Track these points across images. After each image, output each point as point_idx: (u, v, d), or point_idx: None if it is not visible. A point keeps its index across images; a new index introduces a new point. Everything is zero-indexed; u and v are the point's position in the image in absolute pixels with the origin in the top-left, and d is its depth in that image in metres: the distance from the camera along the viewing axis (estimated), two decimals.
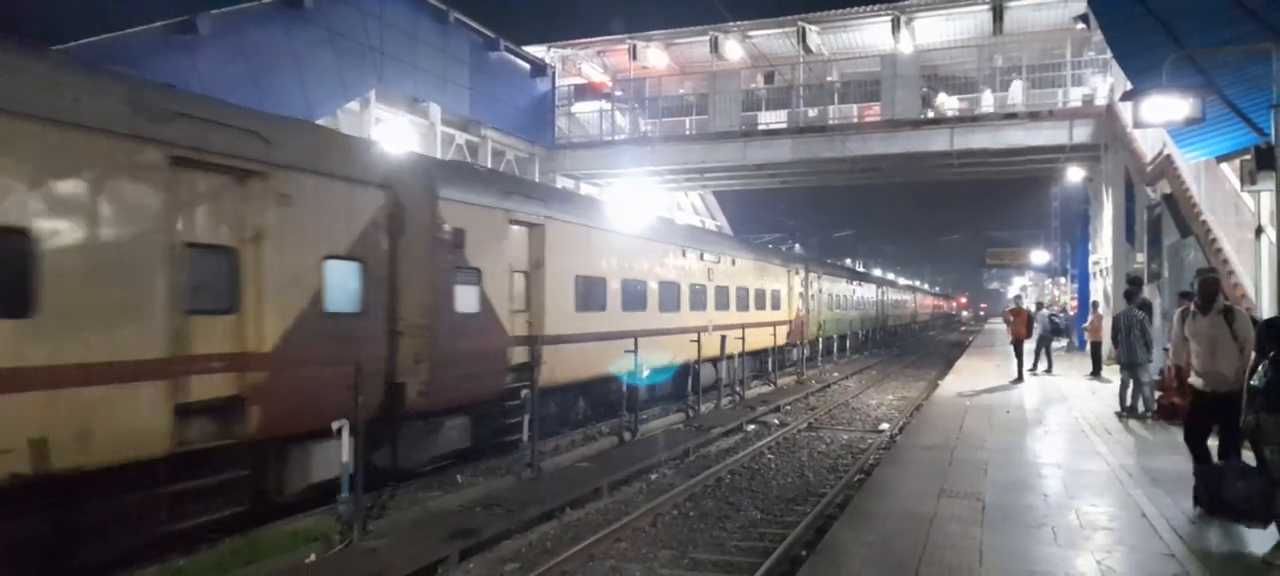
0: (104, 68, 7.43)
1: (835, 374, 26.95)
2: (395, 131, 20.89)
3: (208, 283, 7.34)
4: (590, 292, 13.77)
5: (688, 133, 29.57)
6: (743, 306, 21.60)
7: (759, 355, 22.32)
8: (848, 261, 58.98)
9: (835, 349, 32.29)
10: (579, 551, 7.93)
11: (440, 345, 9.81)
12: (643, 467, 11.75)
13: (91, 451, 6.21)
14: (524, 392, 10.90)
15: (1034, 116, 24.35)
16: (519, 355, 11.68)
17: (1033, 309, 22.51)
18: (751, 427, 16.00)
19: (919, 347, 47.96)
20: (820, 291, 30.53)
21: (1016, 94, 26.50)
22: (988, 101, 26.79)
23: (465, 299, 10.53)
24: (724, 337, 18.57)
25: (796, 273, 27.28)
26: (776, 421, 16.82)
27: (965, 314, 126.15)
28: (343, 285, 8.61)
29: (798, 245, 51.40)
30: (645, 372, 14.54)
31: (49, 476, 5.94)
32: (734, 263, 21.16)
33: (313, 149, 8.60)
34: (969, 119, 25.50)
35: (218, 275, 7.46)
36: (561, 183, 27.84)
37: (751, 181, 32.04)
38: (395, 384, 9.30)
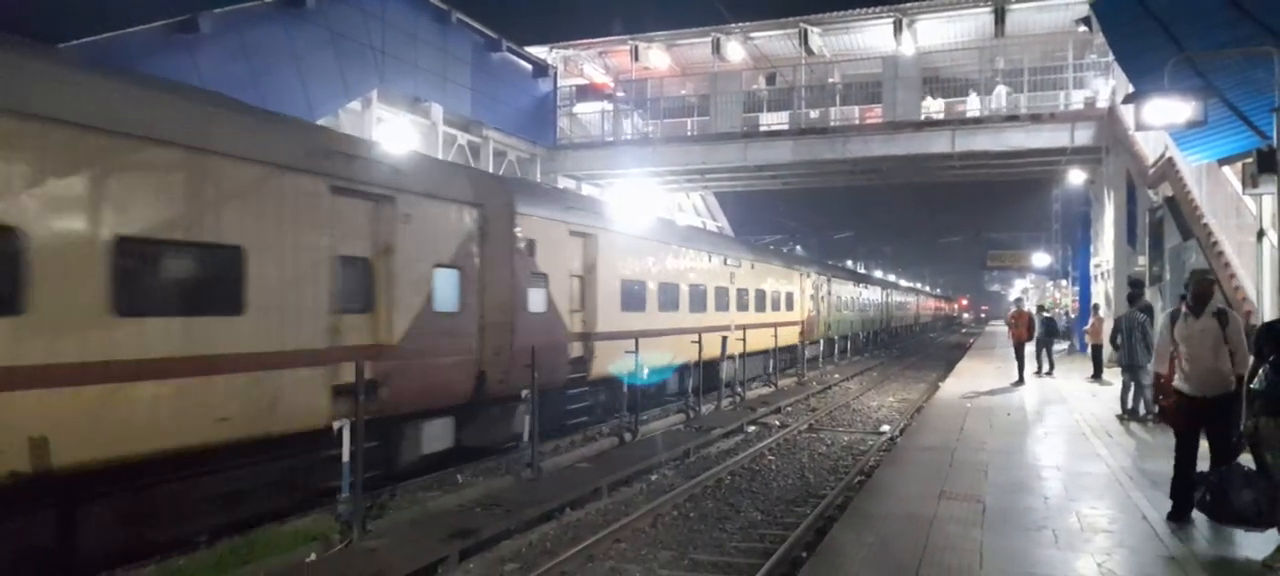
0: (261, 109, 8.58)
1: (836, 375, 26.94)
2: (397, 131, 20.88)
3: (351, 288, 8.85)
4: (633, 294, 15.39)
5: (689, 134, 29.58)
6: (760, 307, 23.21)
7: (774, 352, 23.37)
8: (848, 263, 59.14)
9: (836, 351, 32.35)
10: (579, 552, 7.92)
11: (516, 339, 11.34)
12: (643, 468, 11.75)
13: (277, 420, 7.82)
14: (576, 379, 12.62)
15: (1036, 119, 24.33)
16: (576, 349, 13.37)
17: (1033, 311, 22.50)
18: (752, 429, 15.99)
19: (920, 349, 47.93)
20: (829, 293, 32.06)
21: (1000, 99, 26.54)
22: (973, 105, 26.83)
23: (536, 300, 12.17)
24: (745, 335, 19.98)
25: (807, 276, 28.80)
26: (777, 423, 16.81)
27: (966, 316, 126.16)
28: (446, 289, 10.15)
29: (799, 247, 51.41)
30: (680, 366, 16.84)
31: (251, 440, 7.58)
32: (753, 267, 22.83)
33: (427, 175, 10.36)
34: (970, 121, 25.48)
35: (358, 281, 8.99)
36: (562, 183, 27.83)
37: (752, 183, 32.03)
38: (481, 372, 10.74)
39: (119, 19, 14.80)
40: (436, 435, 10.16)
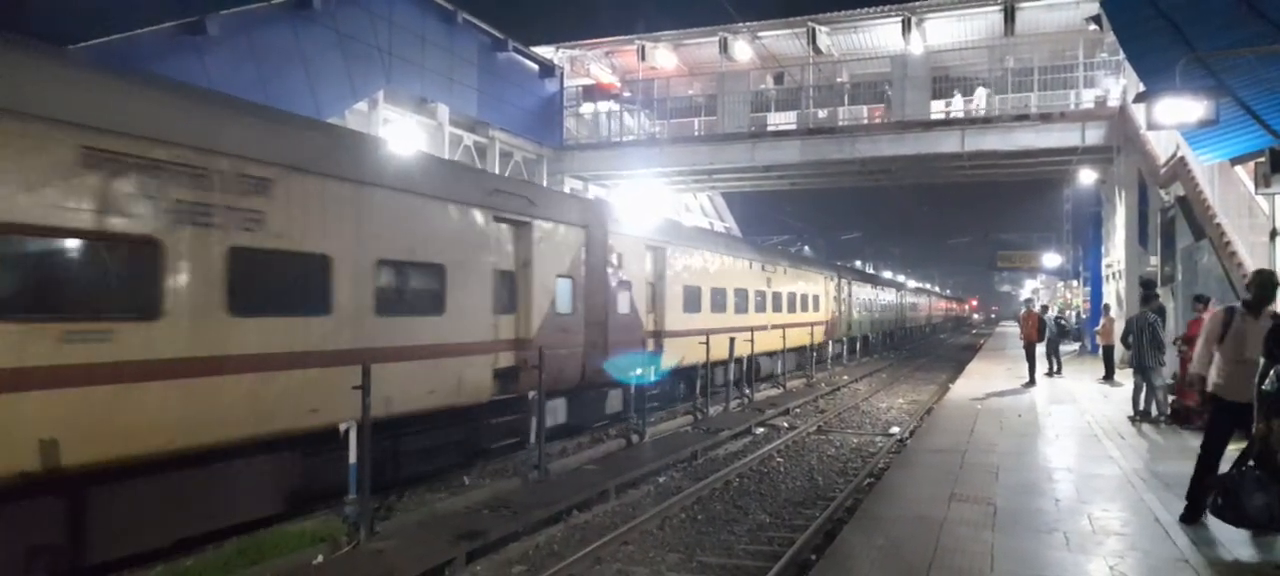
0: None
1: (845, 377, 26.85)
2: (403, 132, 20.89)
3: (504, 294, 11.30)
4: (692, 298, 17.90)
5: (696, 134, 29.52)
6: (793, 308, 25.75)
7: (801, 350, 25.91)
8: (857, 264, 59.20)
9: (845, 352, 32.43)
10: (586, 554, 7.89)
11: (609, 337, 13.67)
12: (650, 470, 11.71)
13: (462, 395, 10.31)
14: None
15: (1046, 118, 24.18)
16: (650, 345, 15.86)
17: (1042, 312, 22.39)
18: (760, 430, 15.93)
19: (930, 350, 47.79)
20: (851, 296, 34.79)
21: (980, 100, 26.50)
22: (957, 105, 26.76)
23: (623, 303, 14.50)
24: (784, 333, 23.80)
25: (831, 280, 31.39)
26: (785, 424, 16.74)
27: (976, 316, 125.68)
28: (564, 294, 12.61)
29: (806, 248, 51.33)
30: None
31: (445, 409, 10.03)
32: (786, 272, 25.48)
33: (552, 204, 12.88)
34: (980, 120, 25.33)
35: (508, 289, 11.45)
36: (569, 184, 27.81)
37: (760, 183, 31.95)
38: (584, 362, 13.02)
39: (128, 20, 14.82)
40: (557, 412, 12.60)
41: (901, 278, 65.54)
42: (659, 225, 17.22)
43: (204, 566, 7.06)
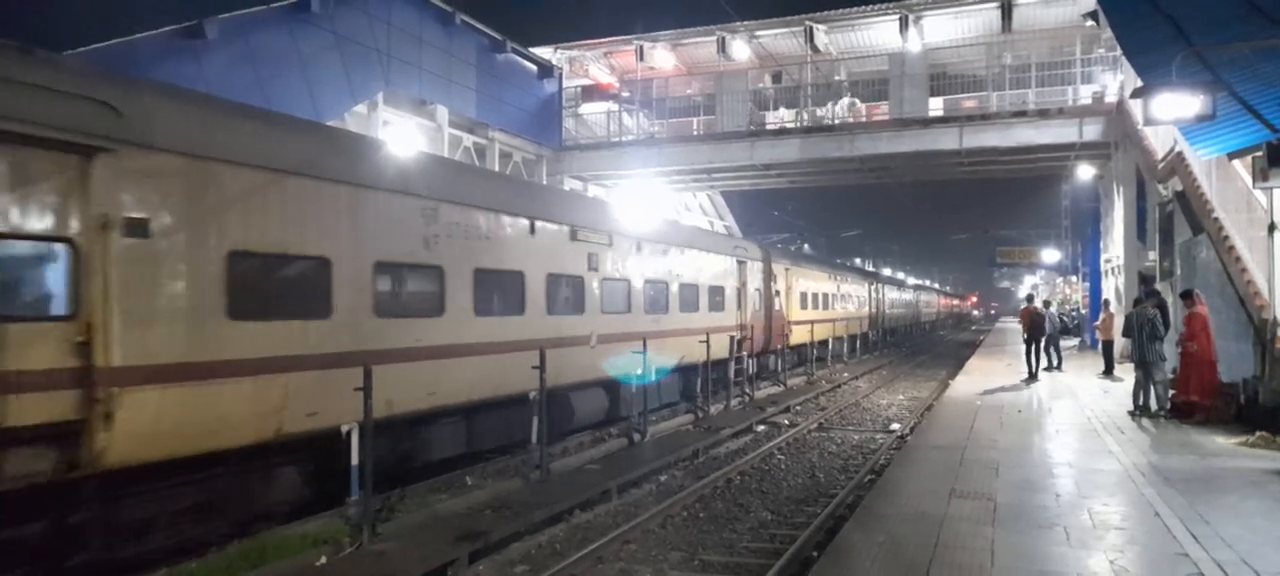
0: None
1: (845, 374, 26.87)
2: (403, 134, 20.90)
3: (733, 298, 19.86)
4: (803, 300, 27.26)
5: (695, 133, 29.53)
6: (847, 306, 34.79)
7: (849, 339, 33.00)
8: (858, 261, 59.61)
9: (845, 350, 32.60)
10: (588, 553, 7.91)
11: (771, 323, 23.03)
12: (652, 469, 11.74)
13: (717, 353, 16.90)
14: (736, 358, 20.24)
15: (1044, 114, 24.21)
16: (783, 333, 24.64)
17: (1042, 307, 22.41)
18: (761, 428, 15.96)
19: (930, 347, 47.84)
20: (882, 296, 45.42)
21: (938, 105, 27.10)
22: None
23: (775, 304, 23.57)
24: (848, 326, 33.24)
25: (868, 283, 41.90)
26: (786, 422, 16.77)
27: (976, 313, 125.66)
28: (755, 299, 21.86)
29: (806, 246, 51.43)
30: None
31: (716, 360, 17.17)
32: (846, 280, 35.69)
33: (751, 249, 22.75)
34: (978, 117, 25.34)
35: (735, 296, 20.18)
36: (568, 184, 27.82)
37: (759, 181, 31.97)
38: (743, 340, 20.50)
39: (124, 25, 14.84)
40: (739, 369, 19.79)
41: (901, 275, 65.98)
42: (789, 253, 29.74)
43: (207, 568, 7.07)
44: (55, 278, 6.33)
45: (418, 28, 21.74)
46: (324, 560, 7.36)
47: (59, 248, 6.31)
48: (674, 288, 16.68)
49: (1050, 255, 48.11)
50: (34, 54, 6.50)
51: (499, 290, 11.27)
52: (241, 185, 7.59)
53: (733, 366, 18.42)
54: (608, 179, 29.39)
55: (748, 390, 19.43)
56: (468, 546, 7.72)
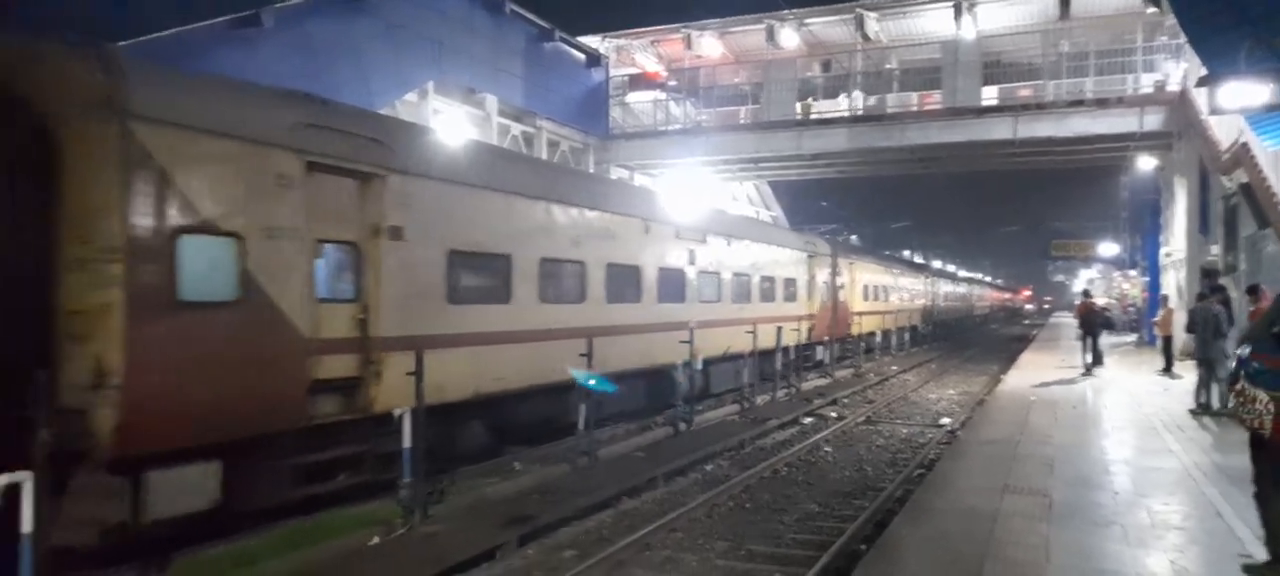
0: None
1: (893, 367, 26.57)
2: (452, 122, 21.08)
3: (800, 290, 22.50)
4: (866, 292, 29.84)
5: (742, 122, 29.32)
6: (901, 298, 37.20)
7: (899, 332, 35.21)
8: (906, 253, 58.87)
9: (892, 344, 32.53)
10: (635, 541, 7.94)
11: (838, 314, 25.23)
12: (698, 458, 11.73)
13: (787, 340, 19.15)
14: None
15: (1102, 103, 23.55)
16: (848, 322, 27.38)
17: (1099, 303, 21.93)
18: (808, 420, 15.85)
19: (981, 341, 47.09)
20: (935, 289, 48.58)
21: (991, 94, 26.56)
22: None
23: (841, 295, 25.66)
24: (907, 316, 37.05)
25: (922, 276, 45.40)
26: (833, 414, 16.63)
27: (1029, 307, 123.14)
28: (824, 290, 24.31)
29: (854, 237, 50.92)
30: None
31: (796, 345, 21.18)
32: (902, 273, 38.86)
33: (820, 244, 25.28)
34: (1033, 106, 24.74)
35: (805, 286, 22.88)
36: (615, 173, 27.84)
37: (806, 171, 31.59)
38: (810, 330, 22.94)
39: (182, 15, 15.12)
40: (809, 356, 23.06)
41: (952, 267, 65.40)
42: (851, 247, 33.66)
43: (264, 545, 7.26)
44: (347, 270, 8.47)
45: (467, 16, 21.88)
46: (377, 540, 7.51)
47: (348, 249, 8.43)
48: (755, 279, 19.12)
49: (1107, 249, 46.84)
50: (327, 103, 8.68)
51: (622, 282, 13.43)
52: (455, 198, 9.86)
53: (780, 357, 18.39)
54: (654, 168, 29.33)
55: (793, 382, 19.31)
56: (516, 530, 7.82)
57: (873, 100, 27.89)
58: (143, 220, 6.58)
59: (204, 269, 6.99)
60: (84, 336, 6.34)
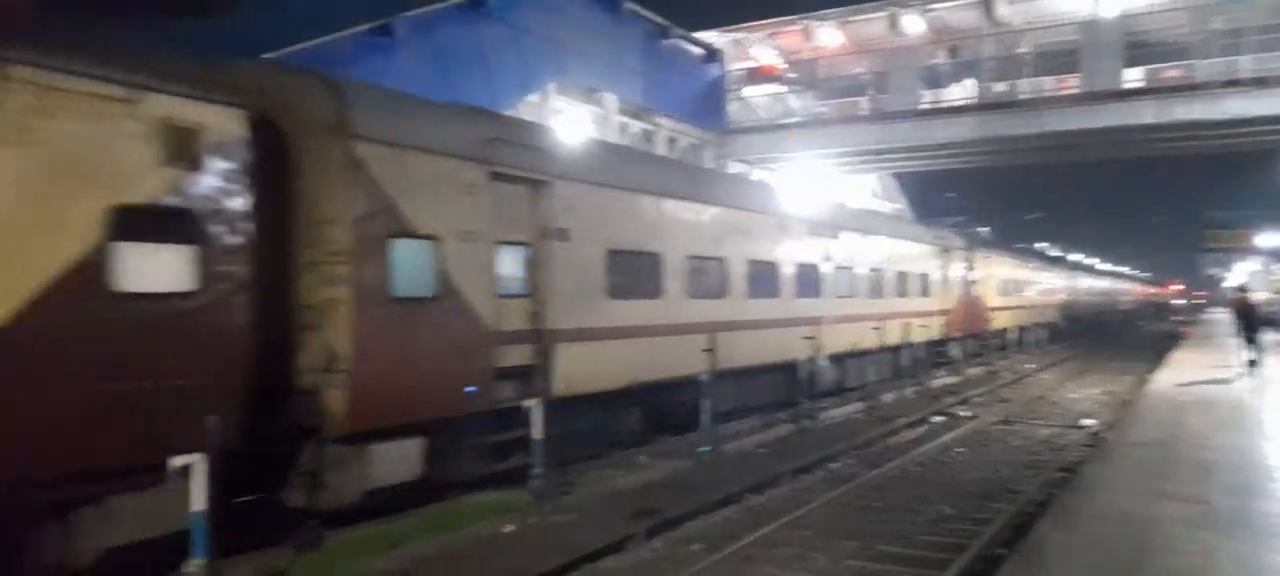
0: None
1: (1030, 365, 25.40)
2: (573, 121, 21.47)
3: (931, 288, 22.62)
4: (1000, 286, 29.75)
5: (863, 113, 28.60)
6: (1038, 293, 38.01)
7: (1036, 328, 35.69)
8: (1042, 245, 56.15)
9: (1033, 339, 31.63)
10: (761, 537, 7.90)
11: (970, 310, 25.49)
12: (823, 456, 11.55)
13: (932, 335, 21.65)
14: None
15: (1261, 83, 21.75)
16: (983, 317, 27.06)
17: (1259, 296, 20.33)
18: (938, 419, 15.35)
19: (1126, 338, 44.48)
20: (1074, 283, 49.77)
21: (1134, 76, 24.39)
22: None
23: (971, 293, 25.30)
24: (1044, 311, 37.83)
25: (1060, 270, 46.20)
26: (965, 414, 16.02)
27: (1178, 302, 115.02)
28: (959, 287, 24.66)
29: (984, 229, 48.91)
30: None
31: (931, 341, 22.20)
32: (1040, 266, 39.97)
33: (952, 238, 24.63)
34: (1184, 88, 23.09)
35: (938, 284, 23.14)
36: (733, 168, 27.65)
37: (931, 162, 30.52)
38: (945, 326, 23.12)
39: (323, 26, 15.97)
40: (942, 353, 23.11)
41: (1091, 261, 62.14)
42: (985, 241, 30.98)
43: (407, 527, 7.62)
44: (521, 269, 9.36)
45: (587, 17, 22.23)
46: (511, 527, 7.75)
47: (523, 249, 9.34)
48: (888, 275, 19.53)
49: (1267, 239, 43.21)
50: (505, 118, 10.03)
51: (759, 278, 13.98)
52: (612, 201, 10.77)
53: (912, 353, 18.14)
54: (773, 162, 28.98)
55: (922, 379, 18.74)
56: (644, 522, 7.91)
57: (1003, 87, 26.63)
58: (363, 226, 7.49)
59: (410, 268, 7.90)
60: (316, 327, 7.30)
